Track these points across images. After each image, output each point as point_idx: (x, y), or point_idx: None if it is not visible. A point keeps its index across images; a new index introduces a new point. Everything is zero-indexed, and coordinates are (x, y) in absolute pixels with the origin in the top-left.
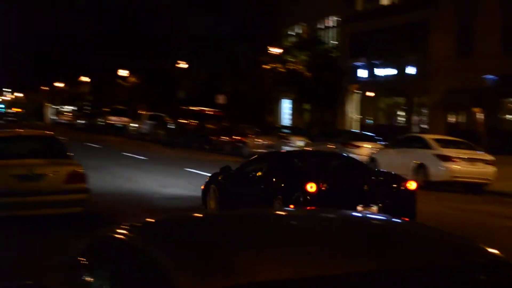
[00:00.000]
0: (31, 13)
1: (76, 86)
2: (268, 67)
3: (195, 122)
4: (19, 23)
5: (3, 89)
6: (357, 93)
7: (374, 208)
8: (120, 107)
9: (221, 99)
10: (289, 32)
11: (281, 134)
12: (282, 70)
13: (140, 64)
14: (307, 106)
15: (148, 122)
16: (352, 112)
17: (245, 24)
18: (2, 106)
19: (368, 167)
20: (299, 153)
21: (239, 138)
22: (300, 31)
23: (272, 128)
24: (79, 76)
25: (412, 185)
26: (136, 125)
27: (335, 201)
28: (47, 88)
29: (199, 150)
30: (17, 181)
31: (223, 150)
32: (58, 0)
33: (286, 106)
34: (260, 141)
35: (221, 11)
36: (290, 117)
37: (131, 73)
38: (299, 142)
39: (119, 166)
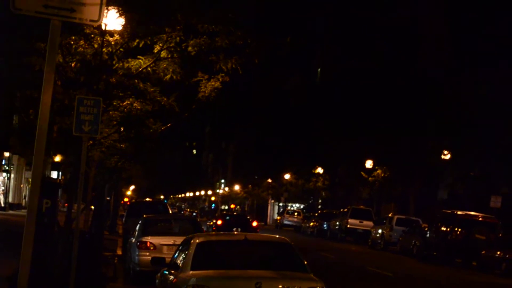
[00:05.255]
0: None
1: (309, 179)
2: None
3: (459, 231)
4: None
5: (220, 181)
6: None
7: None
8: (362, 207)
9: (496, 201)
10: None
11: None
12: None
13: (388, 152)
14: None
15: (397, 228)
16: None
17: None
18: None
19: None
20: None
21: None
22: None
23: None
24: (314, 167)
25: (254, 223)
26: (380, 231)
27: (226, 227)
28: (270, 181)
29: (463, 268)
30: None
31: (496, 269)
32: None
33: None
34: None
35: None
36: None
37: (376, 163)
38: None
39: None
